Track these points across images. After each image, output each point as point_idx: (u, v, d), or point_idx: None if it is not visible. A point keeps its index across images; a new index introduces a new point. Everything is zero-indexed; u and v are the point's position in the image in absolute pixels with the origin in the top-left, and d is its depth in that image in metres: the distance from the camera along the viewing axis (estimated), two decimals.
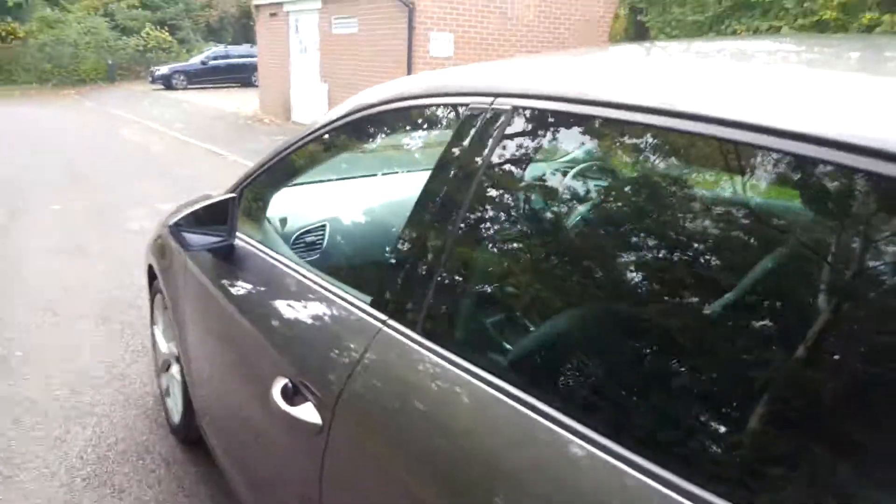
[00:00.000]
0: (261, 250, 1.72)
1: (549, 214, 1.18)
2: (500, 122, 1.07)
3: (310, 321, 1.41)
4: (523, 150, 1.08)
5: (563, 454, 0.80)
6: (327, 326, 1.35)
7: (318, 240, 2.11)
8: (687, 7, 12.64)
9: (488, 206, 1.12)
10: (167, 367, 2.65)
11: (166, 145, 11.01)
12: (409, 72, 9.85)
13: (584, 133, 1.06)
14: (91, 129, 13.19)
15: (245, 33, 27.46)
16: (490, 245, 1.14)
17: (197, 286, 2.00)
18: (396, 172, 2.15)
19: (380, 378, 1.14)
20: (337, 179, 2.35)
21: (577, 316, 1.01)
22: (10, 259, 4.87)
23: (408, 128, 1.53)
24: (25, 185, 7.53)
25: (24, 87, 23.54)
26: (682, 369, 0.82)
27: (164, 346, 2.64)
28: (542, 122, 1.06)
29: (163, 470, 2.43)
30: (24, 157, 9.45)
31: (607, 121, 0.94)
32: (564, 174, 1.23)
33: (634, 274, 0.92)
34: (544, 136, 1.09)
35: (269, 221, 1.98)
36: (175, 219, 1.78)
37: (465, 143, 1.12)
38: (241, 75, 22.59)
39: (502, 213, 1.13)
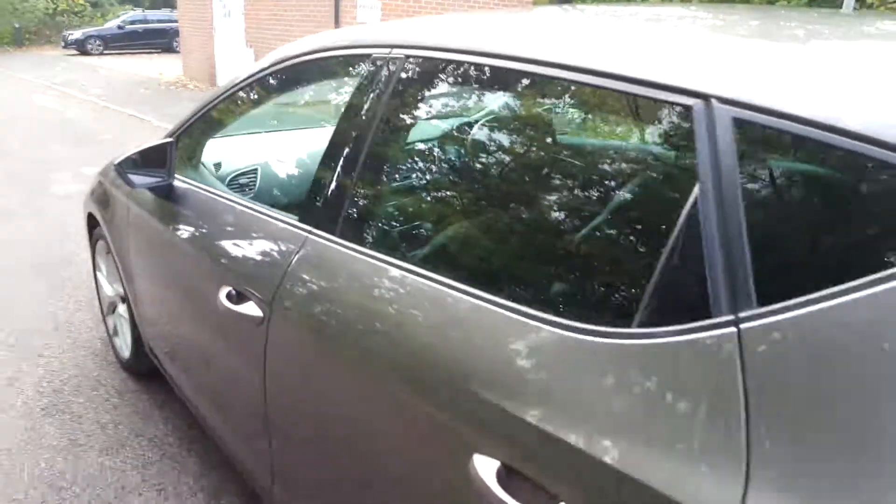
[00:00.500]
0: (199, 188, 1.99)
1: (432, 144, 1.52)
2: (395, 68, 1.39)
3: (248, 239, 1.70)
4: (413, 92, 1.40)
5: (440, 304, 1.13)
6: (263, 241, 1.65)
7: (251, 181, 2.39)
8: None
9: (387, 139, 1.44)
10: (113, 309, 2.87)
11: (85, 111, 10.71)
12: None
13: (461, 76, 1.39)
14: (1, 96, 12.59)
15: None
16: (387, 168, 1.47)
17: (140, 225, 2.25)
18: (318, 121, 2.43)
19: (308, 272, 1.45)
20: (265, 132, 2.62)
21: (455, 217, 1.36)
22: None
23: (324, 77, 1.82)
24: None
25: None
26: (525, 253, 1.18)
27: (109, 289, 2.85)
28: (430, 68, 1.39)
29: (116, 399, 2.68)
30: None
31: (478, 65, 1.27)
32: (447, 112, 1.56)
33: (488, 186, 1.28)
34: (431, 80, 1.41)
35: (204, 166, 2.23)
36: (118, 160, 2.02)
37: (369, 87, 1.43)
38: (162, 40, 21.79)
39: (397, 144, 1.46)
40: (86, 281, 3.73)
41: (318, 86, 1.86)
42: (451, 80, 1.38)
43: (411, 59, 1.38)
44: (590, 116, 1.27)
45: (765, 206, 0.83)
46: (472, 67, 1.29)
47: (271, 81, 1.89)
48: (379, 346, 1.21)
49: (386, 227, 1.44)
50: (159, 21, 22.41)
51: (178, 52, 16.79)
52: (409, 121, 1.44)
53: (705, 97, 0.87)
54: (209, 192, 1.94)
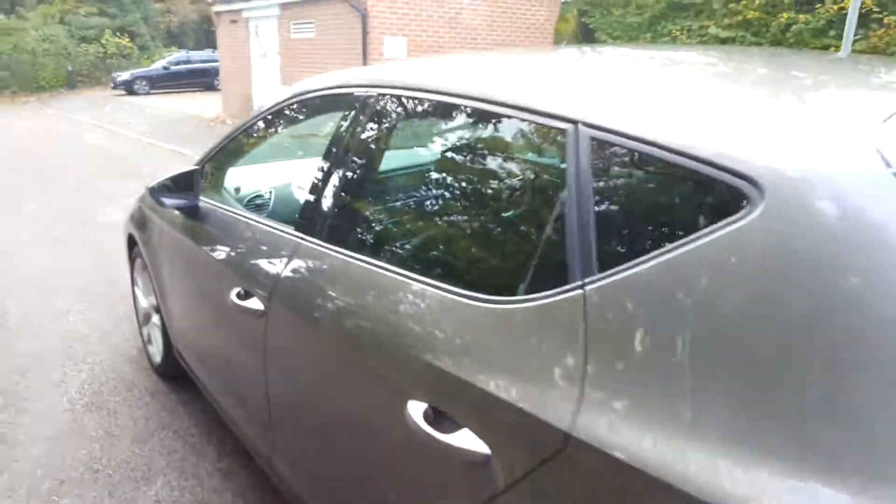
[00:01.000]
0: (220, 208, 2.32)
1: (397, 165, 1.83)
2: (369, 103, 1.70)
3: (256, 247, 2.01)
4: (381, 122, 1.71)
5: (386, 287, 1.41)
6: (267, 248, 1.96)
7: (265, 202, 2.72)
8: (626, 9, 13.45)
9: (362, 162, 1.75)
10: (148, 319, 3.23)
11: (130, 147, 11.41)
12: None
13: (410, 108, 1.69)
14: (55, 134, 13.48)
15: (207, 38, 27.70)
16: (361, 187, 1.77)
17: (171, 242, 2.60)
18: (318, 149, 2.79)
19: (299, 271, 1.75)
20: (277, 160, 2.99)
21: (402, 219, 1.66)
22: None
23: (319, 112, 2.14)
24: None
25: None
26: (447, 240, 1.47)
27: (145, 301, 3.21)
28: (393, 103, 1.70)
29: (148, 398, 3.01)
30: None
31: (427, 100, 1.58)
32: (401, 139, 1.86)
33: (419, 197, 1.59)
34: (394, 112, 1.72)
35: (226, 190, 2.57)
36: (152, 185, 2.37)
37: (349, 119, 1.75)
38: (204, 79, 22.90)
39: (364, 167, 1.76)
40: (125, 298, 4.11)
41: (316, 119, 2.18)
42: (403, 111, 1.69)
43: (381, 97, 1.69)
44: (498, 135, 1.54)
45: (607, 203, 1.10)
46: (416, 101, 1.61)
47: (278, 117, 2.23)
48: (344, 323, 1.50)
49: (353, 232, 1.74)
50: (202, 61, 23.56)
51: (219, 90, 17.68)
52: (375, 147, 1.75)
53: (575, 122, 1.15)
54: (229, 210, 2.27)
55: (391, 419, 1.29)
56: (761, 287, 0.84)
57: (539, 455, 1.01)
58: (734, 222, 0.89)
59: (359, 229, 1.74)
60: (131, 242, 3.24)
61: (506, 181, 1.46)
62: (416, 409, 1.21)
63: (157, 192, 2.34)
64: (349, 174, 1.73)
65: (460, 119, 1.54)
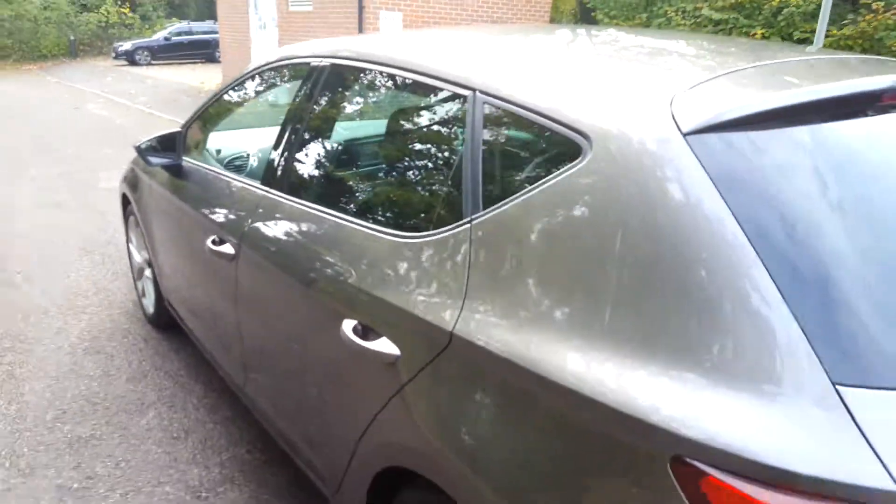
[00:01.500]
0: (201, 166, 2.58)
1: (337, 127, 2.09)
2: (322, 72, 1.95)
3: (229, 201, 2.27)
4: (327, 89, 1.96)
5: (325, 225, 1.68)
6: (238, 201, 2.21)
7: (243, 164, 2.98)
8: None
9: (310, 125, 2.00)
10: (141, 274, 3.51)
11: (132, 117, 11.61)
12: None
13: (357, 77, 1.94)
14: (57, 103, 13.66)
15: (208, 9, 27.59)
16: (309, 146, 2.03)
17: (159, 199, 2.86)
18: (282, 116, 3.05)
19: (262, 219, 2.01)
20: (252, 126, 3.23)
21: (339, 172, 1.93)
22: (0, 213, 5.62)
23: (284, 80, 2.39)
24: None
25: None
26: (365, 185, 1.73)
27: (138, 257, 3.49)
28: (339, 72, 1.94)
29: (142, 344, 3.30)
30: None
31: (365, 70, 1.83)
32: (344, 103, 2.11)
33: (353, 152, 1.85)
34: (338, 80, 1.97)
35: (208, 151, 2.83)
36: (140, 144, 2.63)
37: (308, 86, 2.00)
38: (205, 51, 22.91)
39: (316, 128, 2.01)
40: (122, 257, 4.40)
41: (283, 87, 2.43)
42: (346, 80, 1.96)
43: (331, 67, 1.94)
44: (419, 99, 1.80)
45: (490, 156, 1.35)
46: (357, 70, 1.87)
47: (252, 84, 2.48)
48: (295, 260, 1.77)
49: (302, 184, 1.99)
50: (203, 32, 23.54)
51: (220, 61, 17.77)
52: (321, 111, 2.00)
53: (473, 90, 1.40)
54: (208, 169, 2.53)
55: (331, 336, 1.56)
56: (591, 213, 1.10)
57: (433, 351, 1.28)
58: (573, 167, 1.15)
59: (306, 182, 2.01)
60: (125, 202, 3.51)
61: (420, 140, 1.73)
62: (348, 326, 1.49)
63: (144, 151, 2.60)
64: (300, 135, 1.99)
65: (389, 86, 1.80)
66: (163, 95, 14.38)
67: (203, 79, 17.12)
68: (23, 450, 2.47)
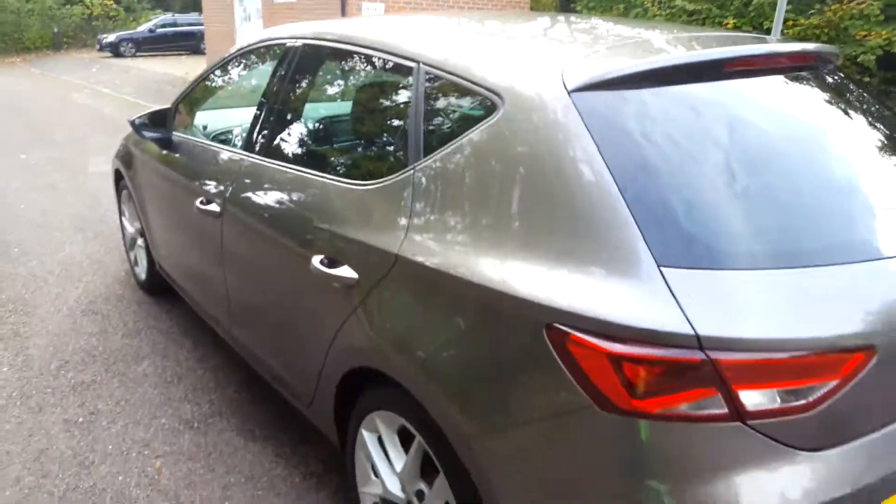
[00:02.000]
0: (189, 139, 2.87)
1: (306, 97, 2.39)
2: (295, 52, 2.26)
3: (216, 167, 2.57)
4: (297, 65, 2.27)
5: (296, 181, 1.99)
6: (223, 166, 2.51)
7: (226, 135, 3.27)
8: None
9: (289, 96, 2.30)
10: (133, 244, 3.79)
11: (118, 107, 11.80)
12: None
13: (323, 55, 2.25)
14: (42, 94, 13.80)
15: (193, 1, 27.64)
16: (281, 113, 2.32)
17: (150, 171, 3.15)
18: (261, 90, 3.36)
19: (245, 178, 2.31)
20: (232, 101, 3.52)
21: (306, 136, 2.25)
22: None
23: (263, 60, 2.69)
24: None
25: None
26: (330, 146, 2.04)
27: (131, 228, 3.77)
28: (307, 51, 2.24)
29: (135, 306, 3.59)
30: None
31: (330, 48, 2.14)
32: (311, 77, 2.41)
33: (321, 119, 2.18)
34: (307, 57, 2.27)
35: (196, 127, 3.12)
36: (134, 119, 2.92)
37: (282, 64, 2.30)
38: (190, 43, 22.97)
39: (287, 98, 2.31)
40: (114, 233, 4.67)
41: (262, 65, 2.73)
42: (314, 57, 2.27)
43: (306, 46, 2.25)
44: (375, 71, 2.10)
45: (430, 114, 1.67)
46: (323, 49, 2.19)
47: (235, 64, 2.78)
48: (271, 211, 2.09)
49: (276, 146, 2.29)
50: (188, 24, 23.60)
51: (205, 53, 17.92)
52: (291, 84, 2.30)
53: (418, 61, 1.72)
54: (195, 141, 2.83)
55: (302, 271, 1.87)
56: (501, 154, 1.42)
57: (383, 270, 1.60)
58: (491, 119, 1.47)
59: (281, 145, 2.31)
60: (118, 177, 3.79)
61: (376, 105, 2.05)
62: (317, 260, 1.80)
63: (138, 126, 2.89)
64: (275, 105, 2.31)
65: (351, 62, 2.13)
66: (148, 86, 14.54)
67: (188, 70, 17.26)
68: (31, 392, 2.76)
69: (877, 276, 1.29)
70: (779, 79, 1.66)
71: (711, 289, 1.18)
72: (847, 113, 1.71)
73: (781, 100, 1.60)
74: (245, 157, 2.34)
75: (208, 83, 2.96)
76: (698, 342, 1.12)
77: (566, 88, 1.38)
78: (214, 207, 2.39)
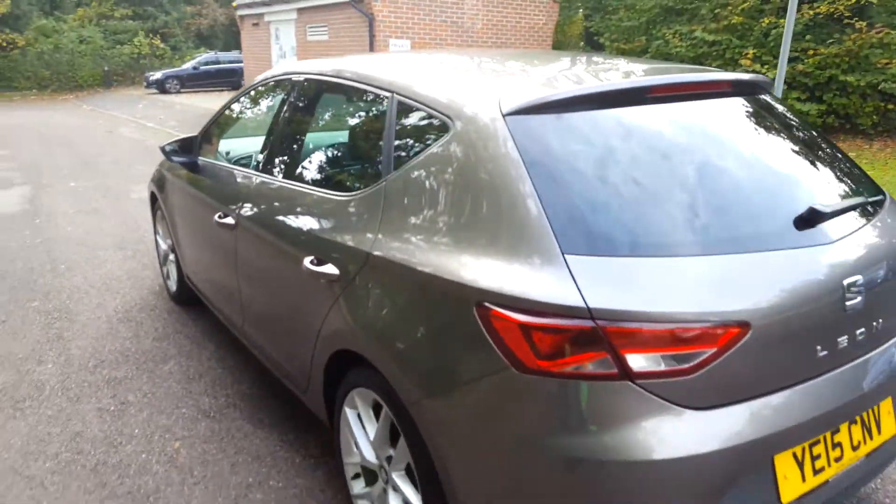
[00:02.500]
0: (212, 163, 3.25)
1: (306, 124, 2.73)
2: (298, 85, 2.62)
3: (232, 186, 2.93)
4: (300, 97, 2.62)
5: (292, 195, 2.32)
6: (238, 184, 2.87)
7: (243, 157, 3.66)
8: (623, 14, 14.17)
9: (291, 123, 2.66)
10: (166, 259, 4.18)
11: (161, 139, 12.47)
12: None
13: (321, 88, 2.60)
14: (92, 128, 14.69)
15: (234, 39, 28.93)
16: (289, 138, 2.67)
17: (180, 191, 3.54)
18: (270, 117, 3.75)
19: (254, 194, 2.66)
20: (249, 133, 3.92)
21: (302, 156, 2.59)
22: (45, 216, 6.40)
23: (276, 91, 3.07)
24: (42, 170, 9.05)
25: (24, 93, 25.00)
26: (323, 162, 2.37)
27: (164, 245, 4.17)
28: (309, 84, 2.60)
29: (166, 315, 3.97)
30: (36, 151, 10.96)
31: (325, 82, 2.49)
32: (311, 107, 2.76)
33: (313, 140, 2.53)
34: (308, 90, 2.62)
35: (220, 153, 3.51)
36: (164, 145, 3.32)
37: (289, 97, 2.67)
38: (231, 79, 24.06)
39: (290, 127, 2.67)
40: (150, 252, 5.09)
41: (273, 98, 3.11)
42: (314, 89, 2.62)
43: (305, 81, 2.61)
44: (359, 100, 2.44)
45: (400, 134, 1.98)
46: (320, 82, 2.54)
47: (251, 96, 3.16)
48: (273, 219, 2.42)
49: (281, 167, 2.63)
50: (230, 62, 24.75)
51: None
52: (294, 114, 2.66)
53: (392, 91, 2.04)
54: (216, 163, 3.20)
55: (297, 271, 2.19)
56: (451, 166, 1.72)
57: (358, 267, 1.91)
58: (443, 137, 1.78)
59: (282, 164, 2.65)
60: (153, 199, 4.21)
61: (360, 128, 2.39)
62: (307, 260, 2.12)
63: (168, 152, 3.30)
64: (280, 130, 2.67)
65: (341, 92, 2.49)
66: (190, 120, 15.33)
67: None
68: (71, 385, 3.12)
69: (756, 266, 1.55)
70: (704, 103, 1.93)
71: (605, 272, 1.45)
72: (757, 130, 1.97)
73: (694, 120, 1.87)
74: (255, 176, 2.69)
75: (228, 113, 3.36)
76: (589, 313, 1.39)
77: (501, 112, 1.68)
78: (230, 220, 2.74)
